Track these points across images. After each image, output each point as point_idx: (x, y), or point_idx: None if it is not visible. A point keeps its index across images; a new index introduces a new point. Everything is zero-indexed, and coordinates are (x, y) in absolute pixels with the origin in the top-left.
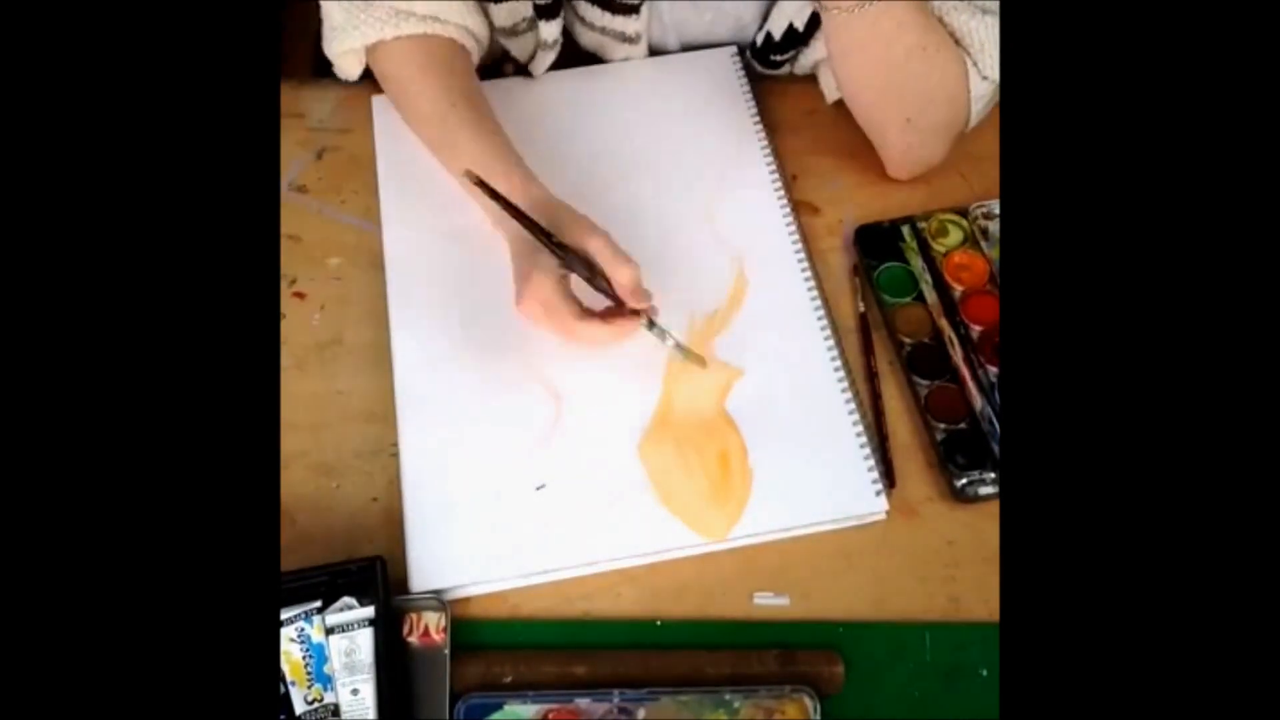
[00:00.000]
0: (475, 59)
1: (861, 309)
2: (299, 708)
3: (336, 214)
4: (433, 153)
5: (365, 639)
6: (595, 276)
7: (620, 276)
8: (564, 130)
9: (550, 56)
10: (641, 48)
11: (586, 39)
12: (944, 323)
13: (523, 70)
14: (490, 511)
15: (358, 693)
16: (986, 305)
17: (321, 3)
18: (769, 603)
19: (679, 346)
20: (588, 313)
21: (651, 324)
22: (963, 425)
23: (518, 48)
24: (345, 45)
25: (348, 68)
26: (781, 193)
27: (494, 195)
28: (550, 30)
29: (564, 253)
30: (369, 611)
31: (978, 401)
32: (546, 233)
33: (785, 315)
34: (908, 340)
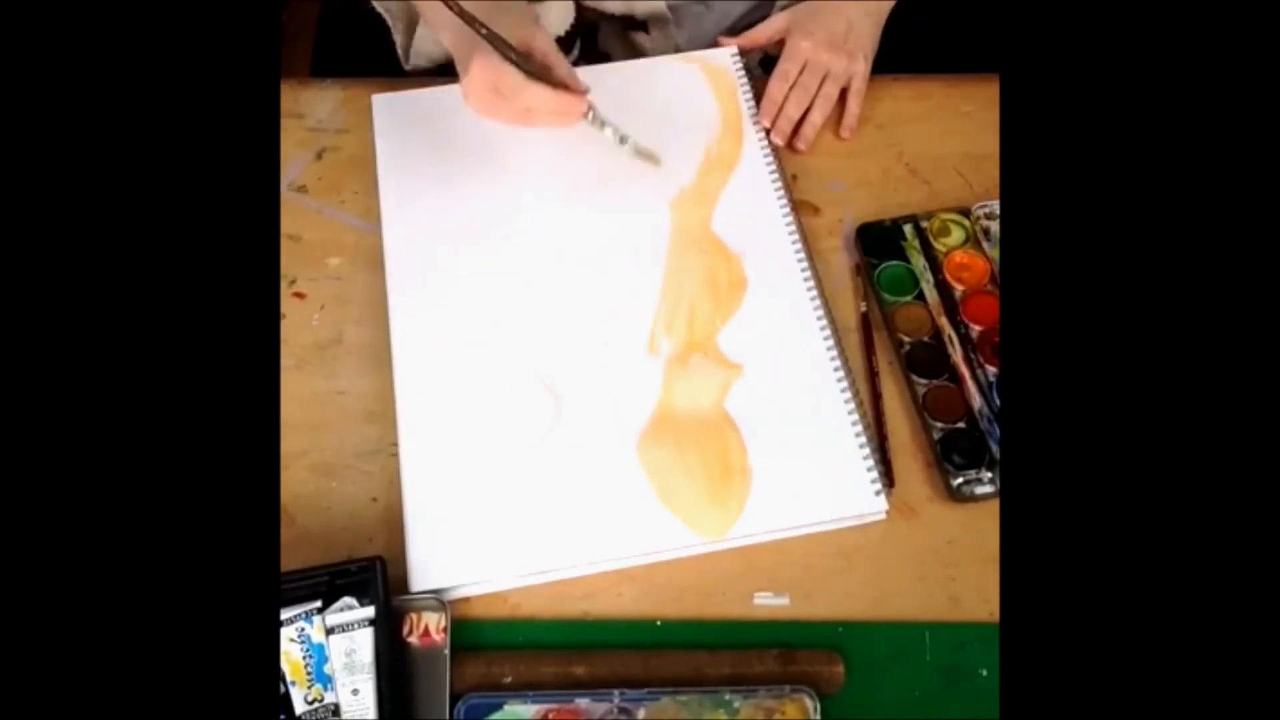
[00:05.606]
0: None
1: (863, 308)
2: (299, 708)
3: (336, 214)
4: None
5: (365, 639)
6: (534, 70)
7: (560, 66)
8: (563, 129)
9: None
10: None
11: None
12: (944, 322)
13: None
14: (490, 511)
15: (358, 693)
16: (986, 305)
17: None
18: (769, 603)
19: (624, 140)
20: (533, 78)
21: (593, 117)
22: (960, 424)
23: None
24: None
25: None
26: (781, 193)
27: None
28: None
29: (502, 45)
30: (369, 612)
31: (976, 401)
32: (484, 25)
33: (785, 315)
34: (907, 339)
